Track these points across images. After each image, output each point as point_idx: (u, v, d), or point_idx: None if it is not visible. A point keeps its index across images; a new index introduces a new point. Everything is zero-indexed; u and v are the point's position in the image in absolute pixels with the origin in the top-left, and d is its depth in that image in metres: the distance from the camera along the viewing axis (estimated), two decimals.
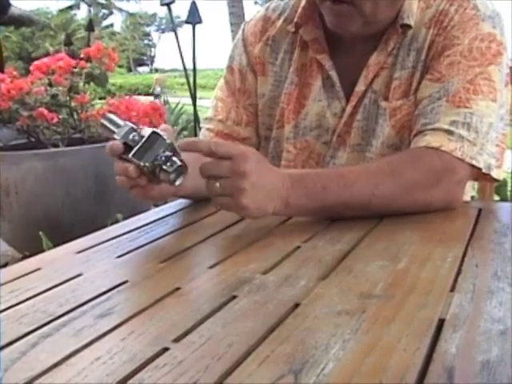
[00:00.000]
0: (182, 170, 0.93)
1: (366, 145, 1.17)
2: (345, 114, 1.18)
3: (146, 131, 0.95)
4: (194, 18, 5.52)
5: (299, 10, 1.22)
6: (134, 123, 0.98)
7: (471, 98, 1.06)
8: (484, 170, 1.07)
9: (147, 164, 0.93)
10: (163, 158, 0.93)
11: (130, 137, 0.95)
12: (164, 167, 0.93)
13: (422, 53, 1.13)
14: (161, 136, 0.94)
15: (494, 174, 1.09)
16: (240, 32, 1.33)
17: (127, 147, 0.95)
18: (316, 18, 1.20)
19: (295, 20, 1.22)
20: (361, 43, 1.18)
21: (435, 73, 1.10)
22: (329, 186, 0.98)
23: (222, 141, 0.92)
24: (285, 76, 1.25)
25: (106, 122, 1.00)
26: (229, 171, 0.91)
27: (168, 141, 0.94)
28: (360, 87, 1.17)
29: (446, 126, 1.05)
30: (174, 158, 0.93)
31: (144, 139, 0.94)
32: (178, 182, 0.94)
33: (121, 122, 0.98)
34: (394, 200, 1.01)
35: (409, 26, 1.13)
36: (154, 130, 0.95)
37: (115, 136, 0.97)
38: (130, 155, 0.94)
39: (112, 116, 1.01)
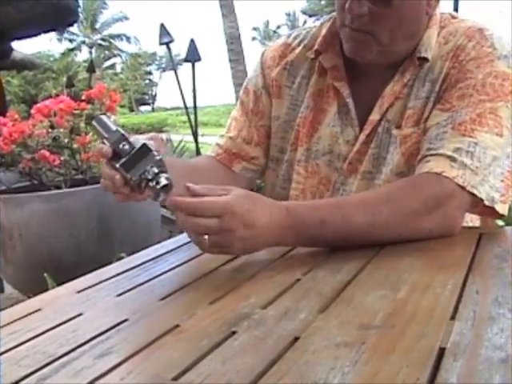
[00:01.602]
0: (167, 188, 0.94)
1: (377, 172, 1.19)
2: (357, 142, 1.20)
3: (137, 142, 0.95)
4: (193, 55, 5.59)
5: (320, 37, 1.26)
6: (125, 131, 0.98)
7: (476, 129, 1.07)
8: (487, 203, 1.05)
9: (134, 178, 0.94)
10: (150, 174, 0.93)
11: (120, 146, 0.95)
12: (151, 184, 0.93)
13: (437, 84, 1.15)
14: (151, 151, 0.94)
15: (499, 208, 1.07)
16: (259, 56, 1.37)
17: (116, 154, 0.95)
18: (336, 46, 1.24)
19: (316, 47, 1.26)
20: (378, 73, 1.20)
21: (446, 103, 1.12)
22: (327, 219, 0.98)
23: (207, 197, 0.91)
24: (301, 100, 1.28)
25: (97, 125, 1.00)
26: (217, 229, 0.91)
27: (157, 157, 0.94)
28: (374, 116, 1.19)
29: (449, 153, 1.05)
30: (162, 176, 0.93)
31: (134, 151, 0.94)
32: (161, 199, 0.95)
33: (112, 127, 0.98)
34: (393, 228, 1.01)
35: (426, 59, 1.16)
36: (145, 142, 0.95)
37: (105, 141, 0.97)
38: (118, 165, 0.95)
39: (104, 119, 1.01)
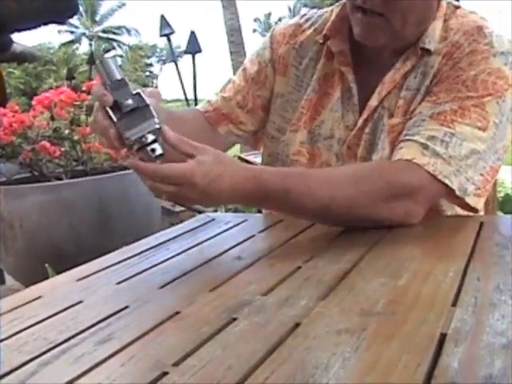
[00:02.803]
0: (160, 157, 0.91)
1: (369, 159, 1.18)
2: (355, 127, 1.20)
3: (140, 100, 0.92)
4: (193, 47, 5.58)
5: (329, 23, 1.26)
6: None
7: (456, 121, 1.06)
8: (458, 193, 1.04)
9: (131, 138, 0.90)
10: (148, 140, 0.90)
11: (123, 99, 0.91)
12: (145, 150, 0.90)
13: (427, 78, 1.15)
14: (153, 116, 0.91)
15: (471, 200, 1.06)
16: (270, 31, 1.37)
17: (116, 103, 0.92)
18: (344, 31, 1.23)
19: (324, 32, 1.25)
20: (383, 60, 1.20)
21: (433, 95, 1.11)
22: (291, 189, 0.98)
23: (168, 164, 0.91)
24: (307, 83, 1.27)
25: (101, 67, 0.95)
26: (175, 195, 0.92)
27: (157, 125, 0.91)
28: (373, 102, 1.18)
29: (423, 140, 1.05)
30: (158, 145, 0.91)
31: (136, 111, 0.91)
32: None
33: (117, 74, 0.94)
34: (353, 207, 1.01)
35: (428, 51, 1.15)
36: (148, 103, 0.92)
37: (107, 87, 0.93)
38: (116, 120, 0.91)
39: (110, 62, 0.95)
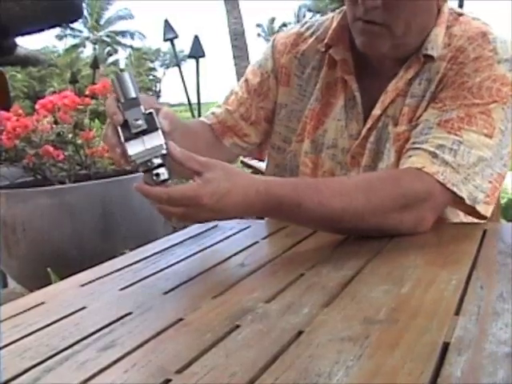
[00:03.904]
0: (166, 182, 0.90)
1: (375, 167, 1.18)
2: (360, 137, 1.20)
3: (151, 121, 0.90)
4: (197, 51, 5.59)
5: (330, 31, 1.25)
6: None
7: (463, 128, 1.06)
8: (468, 202, 1.05)
9: (136, 162, 0.89)
10: (154, 165, 0.89)
11: (133, 120, 0.90)
12: (150, 174, 0.89)
13: (432, 84, 1.14)
14: (161, 140, 0.90)
15: (481, 208, 1.07)
16: (271, 40, 1.37)
17: (126, 123, 0.91)
18: (346, 39, 1.23)
19: (326, 41, 1.25)
20: (385, 68, 1.20)
21: (439, 102, 1.11)
22: (303, 203, 0.97)
23: (175, 187, 0.89)
24: (310, 92, 1.27)
25: (116, 83, 0.93)
26: (183, 216, 0.91)
27: (164, 151, 0.89)
28: (377, 111, 1.18)
29: (432, 149, 1.05)
30: (164, 170, 0.89)
31: (145, 132, 0.90)
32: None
33: (132, 92, 0.92)
34: (366, 218, 1.01)
35: (431, 58, 1.15)
36: (158, 126, 0.90)
37: (119, 105, 0.92)
38: (123, 140, 0.90)
39: (127, 78, 0.93)
